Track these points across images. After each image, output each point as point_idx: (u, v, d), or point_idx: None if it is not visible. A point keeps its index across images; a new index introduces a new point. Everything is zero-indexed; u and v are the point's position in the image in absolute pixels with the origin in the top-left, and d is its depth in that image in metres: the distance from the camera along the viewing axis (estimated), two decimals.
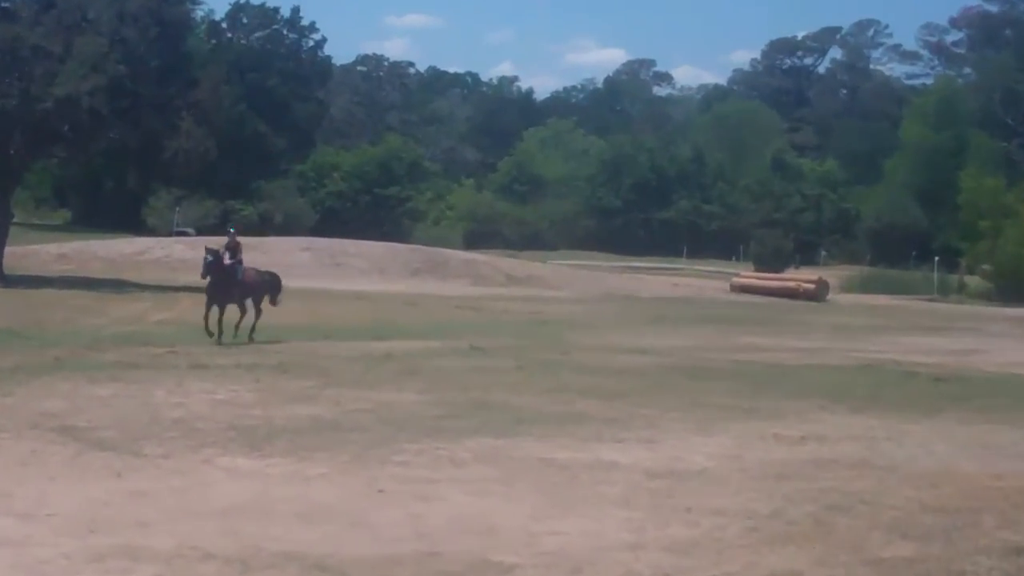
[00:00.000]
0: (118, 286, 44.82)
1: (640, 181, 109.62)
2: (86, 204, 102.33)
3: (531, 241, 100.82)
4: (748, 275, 71.26)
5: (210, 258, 27.55)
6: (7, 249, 46.50)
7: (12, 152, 46.03)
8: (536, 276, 65.76)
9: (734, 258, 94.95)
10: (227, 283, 27.61)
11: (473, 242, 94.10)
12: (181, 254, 59.26)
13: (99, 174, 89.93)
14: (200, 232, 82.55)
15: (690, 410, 19.71)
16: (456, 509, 12.26)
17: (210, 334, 27.05)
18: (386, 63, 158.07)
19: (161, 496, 12.27)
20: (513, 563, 10.37)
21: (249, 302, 28.50)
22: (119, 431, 15.61)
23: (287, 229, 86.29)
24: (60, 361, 22.59)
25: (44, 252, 59.21)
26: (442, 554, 10.54)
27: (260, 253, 61.24)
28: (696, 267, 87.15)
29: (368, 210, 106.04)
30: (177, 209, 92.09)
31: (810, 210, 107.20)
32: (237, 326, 28.05)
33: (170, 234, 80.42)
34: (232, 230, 30.96)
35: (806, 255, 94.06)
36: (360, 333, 31.00)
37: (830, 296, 62.88)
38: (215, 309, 27.52)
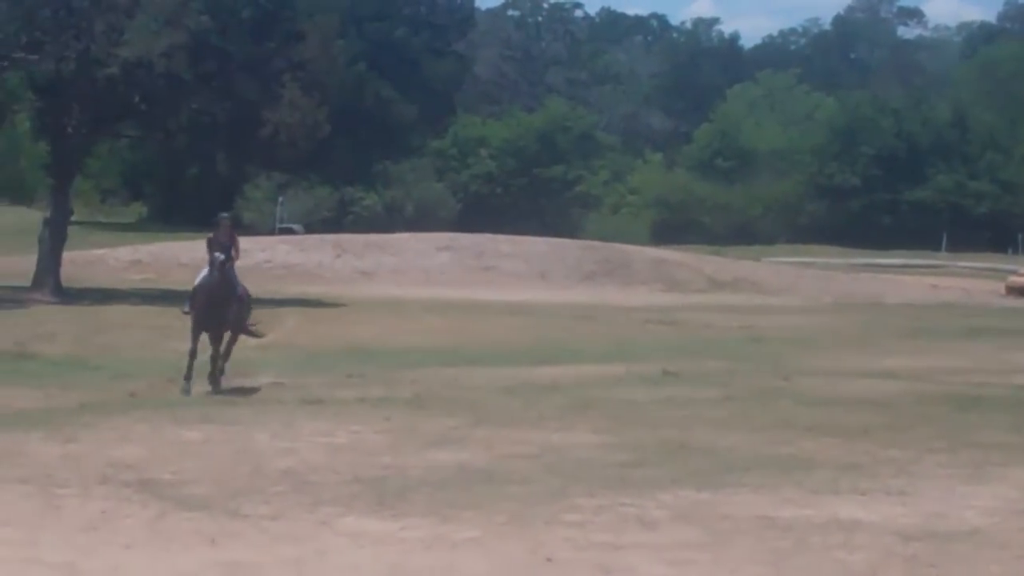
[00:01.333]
0: None
1: (884, 152, 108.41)
2: (165, 196, 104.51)
3: (740, 233, 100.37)
4: None
5: (222, 256, 24.60)
6: (67, 255, 47.26)
7: (70, 131, 46.56)
8: (747, 279, 65.41)
9: (1011, 250, 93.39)
10: (228, 297, 24.93)
11: (664, 236, 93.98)
12: (286, 257, 60.22)
13: (181, 157, 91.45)
14: (310, 229, 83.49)
15: (956, 451, 19.42)
16: None
17: (189, 370, 24.60)
18: (546, 5, 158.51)
19: (268, 568, 12.41)
20: None
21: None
22: (213, 486, 15.84)
23: (422, 223, 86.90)
24: (137, 398, 23.03)
25: (113, 257, 60.50)
26: None
27: (389, 255, 62.13)
28: (961, 263, 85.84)
29: (525, 196, 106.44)
30: (280, 200, 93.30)
31: None
32: (222, 359, 25.51)
33: (272, 232, 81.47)
34: (225, 216, 26.63)
35: None
36: (518, 357, 31.09)
37: None
38: (202, 337, 25.04)
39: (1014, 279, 66.77)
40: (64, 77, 44.34)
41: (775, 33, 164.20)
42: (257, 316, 40.56)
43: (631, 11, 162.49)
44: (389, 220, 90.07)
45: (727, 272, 66.73)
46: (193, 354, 24.84)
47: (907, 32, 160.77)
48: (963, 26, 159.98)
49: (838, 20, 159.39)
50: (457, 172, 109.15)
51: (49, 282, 44.73)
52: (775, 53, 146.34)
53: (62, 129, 46.59)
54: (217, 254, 24.43)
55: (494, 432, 20.08)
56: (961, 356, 34.95)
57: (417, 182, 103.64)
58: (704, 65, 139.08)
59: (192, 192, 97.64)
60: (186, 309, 25.36)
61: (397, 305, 44.56)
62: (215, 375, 25.08)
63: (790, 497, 15.98)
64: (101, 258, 59.23)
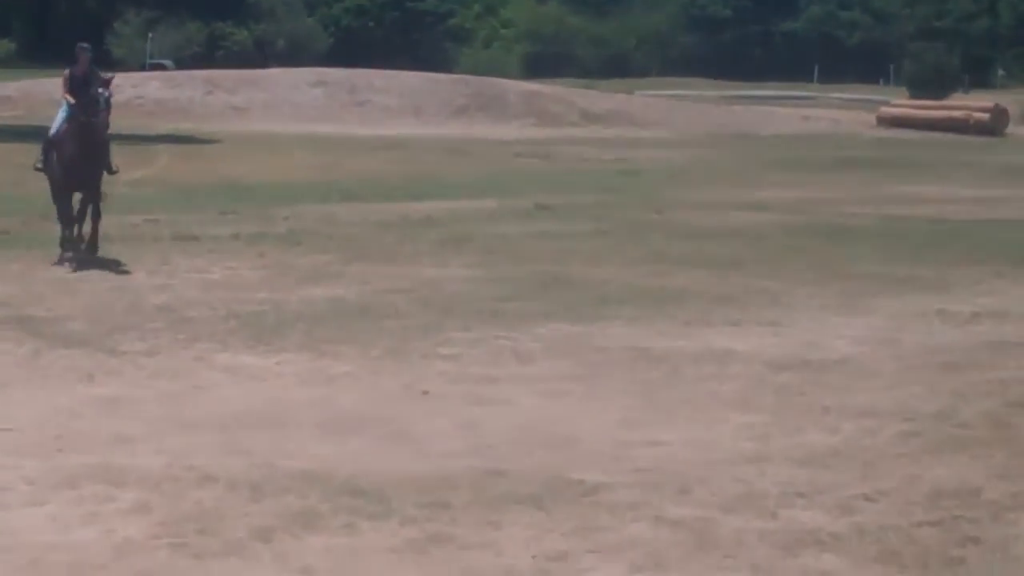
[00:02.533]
0: None
1: None
2: (33, 32, 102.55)
3: (613, 66, 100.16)
4: (901, 103, 70.64)
5: (106, 93, 20.11)
6: None
7: None
8: (620, 111, 65.45)
9: (882, 81, 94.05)
10: (100, 144, 20.49)
11: (537, 70, 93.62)
12: (157, 94, 59.46)
13: None
14: (181, 65, 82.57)
15: (827, 282, 19.69)
16: (523, 415, 12.35)
17: (68, 240, 20.44)
18: None
19: (145, 404, 12.41)
20: (599, 482, 10.45)
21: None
22: (89, 322, 15.77)
23: (293, 58, 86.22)
24: (10, 235, 22.75)
25: None
26: (507, 472, 10.64)
27: (259, 90, 61.51)
28: (833, 94, 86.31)
29: (398, 30, 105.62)
30: (150, 36, 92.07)
31: (984, 15, 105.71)
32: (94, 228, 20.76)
33: (143, 68, 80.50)
34: (85, 46, 21.32)
35: (978, 75, 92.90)
36: (392, 192, 31.03)
37: (1010, 129, 62.22)
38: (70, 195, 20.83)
39: (885, 110, 67.31)
40: None
41: None
42: (130, 153, 40.17)
43: None
44: (260, 55, 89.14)
45: (600, 105, 66.71)
46: (67, 218, 20.37)
47: None
48: None
49: None
50: (328, 5, 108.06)
51: None
52: None
53: None
54: (101, 90, 19.87)
55: (369, 267, 20.11)
56: (832, 187, 35.29)
57: (288, 16, 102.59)
58: None
59: (61, 28, 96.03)
60: (39, 166, 20.90)
61: (270, 141, 44.23)
62: (94, 244, 20.38)
63: (663, 329, 16.16)
64: None
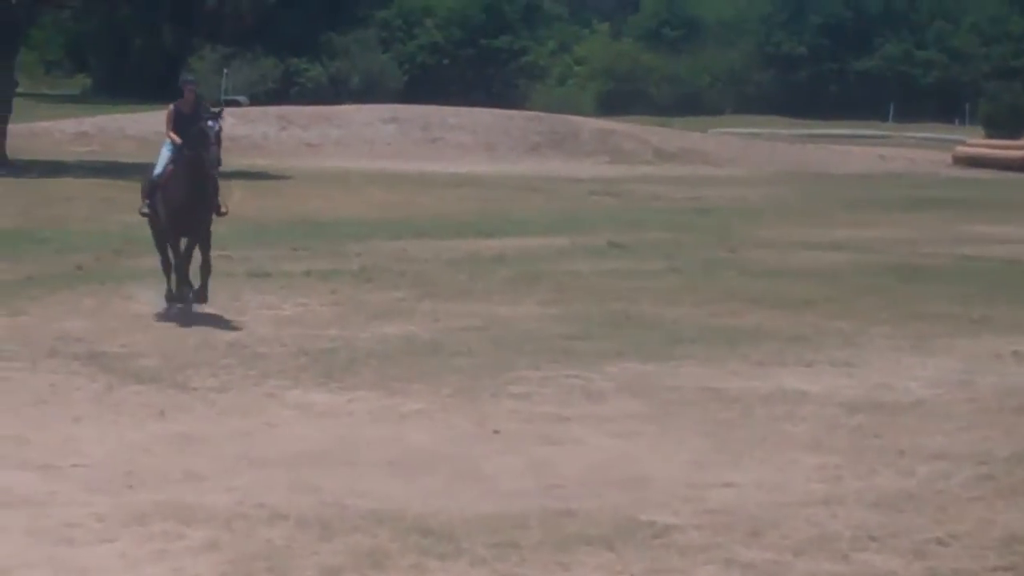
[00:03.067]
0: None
1: (831, 20, 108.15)
2: (110, 68, 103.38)
3: (687, 104, 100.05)
4: (977, 143, 70.22)
5: (216, 125, 18.42)
6: (11, 127, 46.90)
7: (14, 1, 46.09)
8: (694, 150, 65.34)
9: (958, 121, 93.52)
10: (209, 183, 18.85)
11: (611, 107, 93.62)
12: (232, 130, 59.73)
13: (125, 29, 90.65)
14: (255, 101, 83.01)
15: (901, 323, 19.60)
16: (594, 455, 12.34)
17: (182, 286, 18.73)
18: None
19: (216, 441, 12.47)
20: (670, 523, 10.43)
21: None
22: (161, 358, 15.86)
23: (367, 94, 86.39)
24: (83, 270, 22.90)
25: (59, 130, 59.94)
26: (577, 513, 10.63)
27: (334, 127, 61.81)
28: (908, 133, 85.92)
29: (472, 68, 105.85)
30: (225, 72, 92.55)
31: None
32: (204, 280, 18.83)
33: (217, 104, 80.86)
34: (190, 79, 20.88)
35: None
36: (464, 229, 31.05)
37: None
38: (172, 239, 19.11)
39: (961, 149, 66.98)
40: None
41: None
42: None
43: None
44: (334, 92, 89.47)
45: (673, 143, 66.64)
46: (173, 266, 18.76)
47: None
48: None
49: None
50: (403, 43, 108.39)
51: None
52: None
53: (5, 0, 46.02)
54: (211, 123, 18.12)
55: (440, 305, 20.14)
56: (907, 227, 35.12)
57: (362, 53, 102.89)
58: None
59: (137, 64, 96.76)
60: (145, 211, 19.13)
61: (343, 177, 44.41)
62: (203, 295, 18.59)
63: (735, 369, 16.11)
64: (46, 130, 58.65)
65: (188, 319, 18.43)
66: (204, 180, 18.42)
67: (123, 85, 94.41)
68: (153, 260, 24.27)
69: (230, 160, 50.15)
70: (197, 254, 18.87)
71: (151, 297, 19.57)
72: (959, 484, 11.69)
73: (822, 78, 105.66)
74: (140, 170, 45.02)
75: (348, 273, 23.27)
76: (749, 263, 26.22)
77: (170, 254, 19.01)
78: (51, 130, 59.25)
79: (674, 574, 9.50)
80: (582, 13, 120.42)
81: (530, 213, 36.30)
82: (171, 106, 19.13)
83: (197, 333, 17.55)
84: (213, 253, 24.94)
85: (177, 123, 18.64)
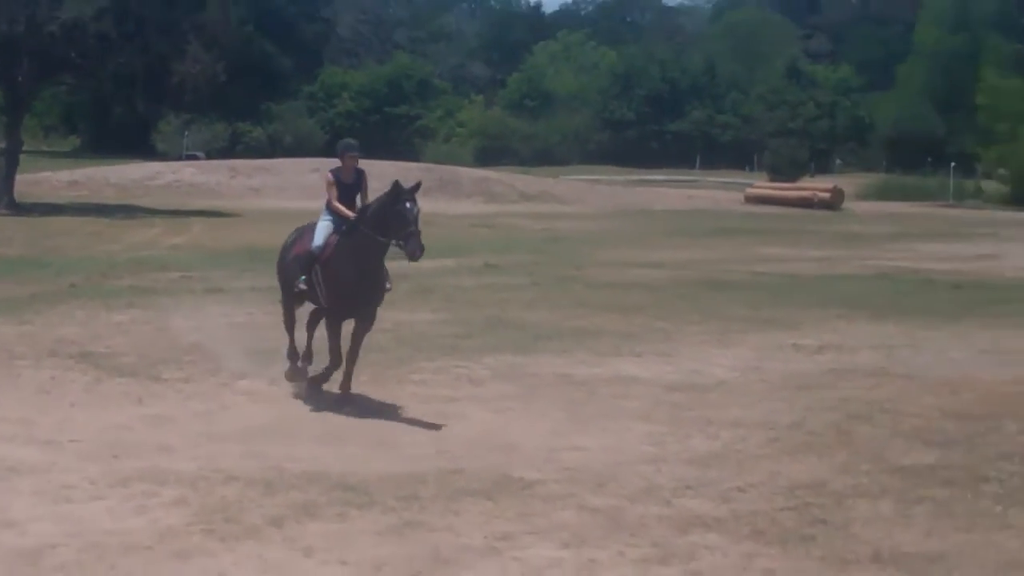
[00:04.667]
0: (130, 212, 44.78)
1: (652, 93, 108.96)
2: (95, 130, 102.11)
3: (543, 157, 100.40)
4: (763, 185, 71.05)
5: (416, 208, 13.18)
6: (18, 176, 46.39)
7: (20, 79, 45.75)
8: (548, 192, 65.57)
9: (748, 168, 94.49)
10: (381, 262, 13.69)
11: (484, 159, 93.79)
12: (192, 178, 59.28)
13: (107, 100, 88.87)
14: (210, 155, 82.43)
15: (708, 322, 19.76)
16: (476, 426, 12.34)
17: (348, 379, 13.40)
18: None
19: (182, 420, 12.34)
20: (534, 479, 10.45)
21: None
22: (137, 357, 15.67)
23: (297, 150, 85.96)
24: (76, 288, 22.60)
25: (55, 179, 59.14)
26: (464, 471, 10.62)
27: (271, 175, 61.40)
28: (710, 178, 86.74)
29: (378, 130, 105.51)
30: (186, 133, 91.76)
31: (824, 118, 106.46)
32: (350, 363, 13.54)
33: (180, 158, 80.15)
34: (354, 144, 14.18)
35: (821, 163, 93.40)
36: None
37: (845, 204, 62.68)
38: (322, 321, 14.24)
39: (750, 190, 67.68)
40: (15, 36, 43.36)
41: (570, 2, 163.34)
42: (170, 224, 39.86)
43: None
44: (272, 148, 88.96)
45: (533, 187, 66.78)
46: (345, 356, 13.42)
47: (670, 1, 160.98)
48: None
49: None
50: (324, 110, 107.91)
51: (5, 199, 43.98)
52: (569, 18, 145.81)
53: (13, 79, 45.76)
54: (409, 204, 12.97)
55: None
56: (711, 250, 35.42)
57: (293, 118, 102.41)
58: (515, 26, 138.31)
59: (117, 127, 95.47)
60: (303, 286, 13.67)
61: (279, 214, 44.05)
62: (349, 378, 13.35)
63: (583, 359, 16.15)
64: (46, 179, 57.75)
65: (160, 324, 18.20)
66: (379, 260, 13.43)
67: (105, 144, 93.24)
68: (133, 278, 24.16)
69: (191, 202, 49.77)
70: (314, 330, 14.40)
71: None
72: (753, 445, 11.79)
73: (645, 136, 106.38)
74: (120, 210, 44.78)
75: None
76: (592, 278, 26.32)
77: (295, 334, 14.22)
78: (49, 179, 58.38)
79: (538, 517, 9.49)
80: (462, 88, 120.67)
81: (424, 241, 36.16)
82: (329, 174, 13.72)
83: (166, 337, 17.37)
84: (176, 275, 24.86)
85: (340, 195, 13.51)
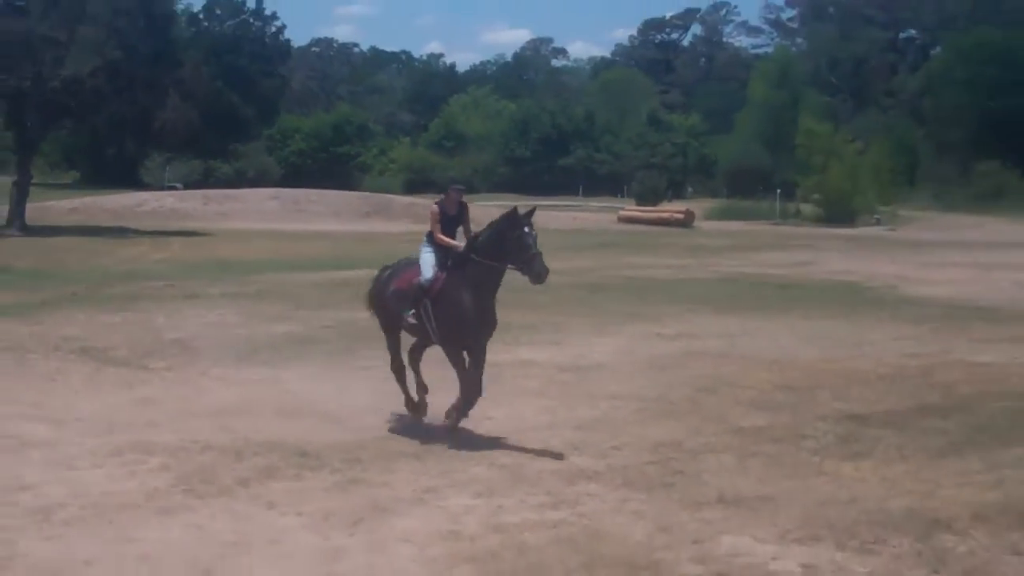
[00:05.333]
0: (121, 233, 44.00)
1: (544, 136, 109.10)
2: (92, 166, 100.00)
3: None
4: (631, 208, 71.40)
5: (534, 233, 11.19)
6: (29, 205, 45.56)
7: (28, 125, 45.16)
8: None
9: (620, 195, 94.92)
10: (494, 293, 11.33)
11: (411, 188, 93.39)
12: (172, 205, 58.40)
13: (102, 141, 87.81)
14: (187, 186, 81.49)
15: (591, 317, 19.84)
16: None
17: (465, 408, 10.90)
18: (335, 44, 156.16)
19: (166, 402, 12.19)
20: (454, 443, 10.43)
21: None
22: (129, 351, 15.44)
23: (258, 182, 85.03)
24: (77, 295, 22.22)
25: (58, 206, 57.86)
26: (397, 437, 10.59)
27: (237, 203, 60.67)
28: (591, 203, 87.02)
29: (324, 166, 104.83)
30: (167, 168, 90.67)
31: (679, 155, 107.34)
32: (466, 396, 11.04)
33: (162, 188, 79.11)
34: (460, 188, 12.04)
35: (676, 191, 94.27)
36: (322, 265, 30.73)
37: (696, 223, 63.24)
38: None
39: (623, 213, 67.98)
40: (23, 90, 42.76)
41: (478, 63, 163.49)
42: (154, 243, 39.20)
43: (389, 48, 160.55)
44: (238, 180, 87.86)
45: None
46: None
47: (557, 63, 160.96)
48: (591, 59, 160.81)
49: (516, 55, 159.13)
50: (280, 149, 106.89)
51: (17, 223, 43.20)
52: (478, 75, 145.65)
53: (23, 124, 45.16)
54: (527, 229, 10.98)
55: (309, 313, 19.89)
56: (593, 260, 35.58)
57: (255, 156, 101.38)
58: (435, 82, 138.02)
59: (110, 163, 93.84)
60: (412, 320, 11.24)
61: (244, 235, 43.61)
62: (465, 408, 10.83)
63: (492, 347, 16.06)
64: (51, 207, 56.39)
65: (147, 324, 17.94)
66: (494, 288, 11.14)
67: (100, 177, 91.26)
68: (124, 287, 23.74)
69: (172, 224, 49.07)
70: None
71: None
72: (626, 413, 11.86)
73: (539, 170, 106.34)
74: (113, 231, 44.03)
75: (249, 294, 22.87)
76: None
77: (406, 362, 11.88)
78: (54, 207, 57.05)
79: (457, 473, 9.49)
80: (393, 131, 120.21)
81: (363, 255, 35.90)
82: (435, 206, 11.64)
83: (152, 334, 17.11)
84: (160, 283, 24.49)
85: (444, 226, 11.48)
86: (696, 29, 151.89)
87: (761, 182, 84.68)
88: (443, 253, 11.14)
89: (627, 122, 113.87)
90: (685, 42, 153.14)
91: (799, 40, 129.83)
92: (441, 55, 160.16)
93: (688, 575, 7.33)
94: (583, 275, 28.89)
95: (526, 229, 10.77)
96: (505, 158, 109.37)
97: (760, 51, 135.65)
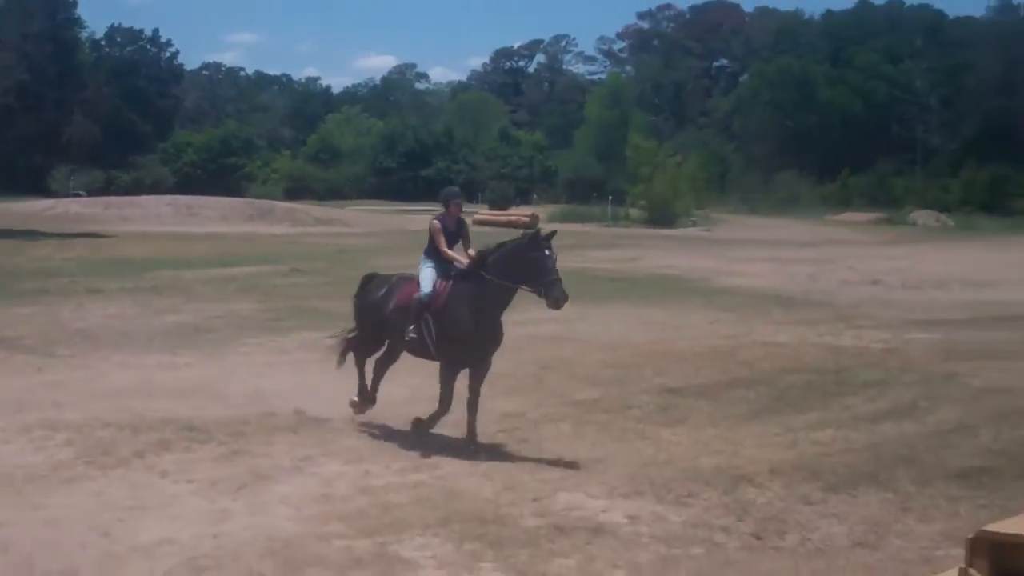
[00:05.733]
0: (31, 235, 42.30)
1: (408, 149, 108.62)
2: (3, 175, 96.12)
3: (333, 194, 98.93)
4: (485, 212, 71.70)
5: (554, 255, 9.45)
6: None
7: None
8: (338, 218, 64.70)
9: (475, 201, 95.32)
10: (501, 311, 9.71)
11: (292, 195, 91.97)
12: (77, 210, 56.45)
13: (13, 153, 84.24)
14: (91, 193, 78.88)
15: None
16: (286, 382, 12.16)
17: (472, 430, 9.62)
18: (223, 68, 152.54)
19: (70, 384, 11.83)
20: (327, 416, 10.40)
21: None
22: (37, 339, 14.93)
23: (155, 189, 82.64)
24: None
25: None
26: (277, 414, 10.47)
27: (137, 208, 58.87)
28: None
29: (214, 175, 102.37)
30: (72, 177, 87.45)
31: (525, 167, 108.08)
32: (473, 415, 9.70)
33: (68, 195, 76.29)
34: (456, 191, 10.79)
35: (523, 197, 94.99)
36: (212, 263, 30.07)
37: (540, 225, 63.74)
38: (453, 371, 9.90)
39: (477, 216, 67.90)
40: None
41: (350, 85, 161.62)
42: (60, 244, 37.79)
43: (271, 72, 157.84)
44: (136, 188, 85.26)
45: (327, 215, 65.69)
46: (468, 404, 9.68)
47: (420, 86, 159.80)
48: (450, 82, 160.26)
49: (384, 78, 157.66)
50: (175, 161, 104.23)
51: None
52: (350, 97, 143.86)
53: None
54: (548, 251, 9.34)
55: (199, 305, 19.48)
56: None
57: (152, 166, 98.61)
58: (312, 102, 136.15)
59: (21, 173, 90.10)
60: (413, 334, 9.63)
61: (143, 237, 42.36)
62: (474, 425, 9.60)
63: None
64: None
65: (54, 315, 17.32)
66: (501, 307, 9.52)
67: (11, 186, 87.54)
68: (34, 283, 22.82)
69: (76, 227, 47.34)
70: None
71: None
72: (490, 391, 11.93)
73: (404, 180, 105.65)
74: (24, 234, 42.28)
75: (146, 288, 22.25)
76: None
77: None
78: None
79: (330, 443, 9.44)
80: (275, 145, 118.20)
81: (248, 253, 35.29)
82: (436, 222, 10.15)
83: (58, 324, 16.54)
84: (66, 280, 23.64)
85: (447, 240, 9.97)
86: (540, 57, 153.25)
87: (595, 189, 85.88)
88: (443, 267, 9.70)
89: (481, 137, 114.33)
90: (531, 69, 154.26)
91: (628, 68, 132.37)
92: (318, 78, 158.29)
93: (530, 527, 7.44)
94: None
95: (547, 252, 9.15)
96: (374, 169, 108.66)
97: (595, 77, 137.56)
